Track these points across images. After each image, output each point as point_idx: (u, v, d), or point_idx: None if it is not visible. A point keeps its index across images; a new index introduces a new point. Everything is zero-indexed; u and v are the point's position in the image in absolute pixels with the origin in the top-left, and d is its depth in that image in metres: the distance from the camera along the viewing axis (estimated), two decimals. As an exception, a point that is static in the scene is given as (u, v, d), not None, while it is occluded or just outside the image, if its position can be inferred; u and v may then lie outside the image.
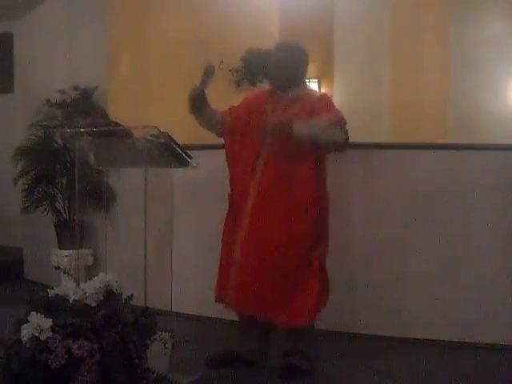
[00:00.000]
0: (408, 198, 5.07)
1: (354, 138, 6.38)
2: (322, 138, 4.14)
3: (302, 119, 4.12)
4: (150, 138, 3.90)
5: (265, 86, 7.34)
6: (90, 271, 6.00)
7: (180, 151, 4.01)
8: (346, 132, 4.19)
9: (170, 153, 4.00)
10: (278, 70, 4.38)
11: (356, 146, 5.31)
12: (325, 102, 4.35)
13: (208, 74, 4.31)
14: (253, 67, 7.38)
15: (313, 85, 7.38)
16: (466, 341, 4.88)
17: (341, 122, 4.18)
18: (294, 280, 4.21)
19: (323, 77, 7.36)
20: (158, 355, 3.76)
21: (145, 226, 4.02)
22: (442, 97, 7.36)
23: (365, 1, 7.37)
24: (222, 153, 4.45)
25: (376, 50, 7.37)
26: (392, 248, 5.07)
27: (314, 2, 7.24)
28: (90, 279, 3.91)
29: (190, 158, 4.10)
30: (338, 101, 7.17)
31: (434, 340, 4.94)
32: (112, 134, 4.12)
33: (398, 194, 5.09)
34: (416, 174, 5.06)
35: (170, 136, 3.99)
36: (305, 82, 4.56)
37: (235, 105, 4.54)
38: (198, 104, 4.32)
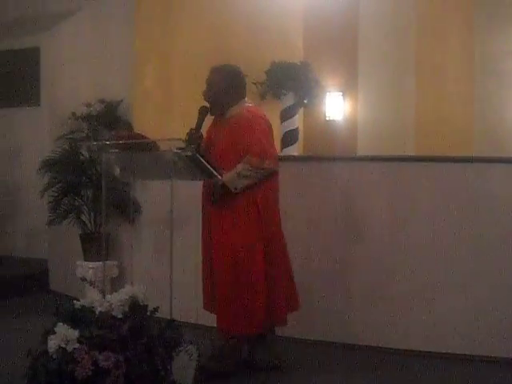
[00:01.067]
0: (431, 209, 5.05)
1: (378, 151, 6.43)
2: (248, 183, 4.29)
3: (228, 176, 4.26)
4: (176, 150, 3.92)
5: (288, 98, 7.39)
6: (115, 283, 6.03)
7: (205, 163, 4.03)
8: (269, 167, 4.35)
9: (196, 165, 4.02)
10: (208, 92, 4.49)
11: (381, 159, 5.36)
12: (244, 128, 4.40)
13: (202, 115, 4.42)
14: (277, 80, 7.39)
15: (337, 98, 7.38)
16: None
17: (263, 163, 4.33)
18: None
19: (347, 90, 7.35)
20: (183, 367, 3.77)
21: (171, 239, 4.04)
22: (468, 109, 7.32)
23: (389, 13, 7.35)
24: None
25: (401, 62, 7.35)
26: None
27: (337, 16, 7.23)
28: (115, 291, 3.93)
29: (216, 169, 4.12)
30: (362, 114, 7.23)
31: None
32: (138, 147, 4.14)
33: (423, 205, 5.08)
34: (443, 186, 5.04)
35: (195, 148, 4.01)
36: (241, 102, 4.54)
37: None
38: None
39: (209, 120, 4.64)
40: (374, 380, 4.49)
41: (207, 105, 4.47)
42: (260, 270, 4.42)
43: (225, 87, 4.46)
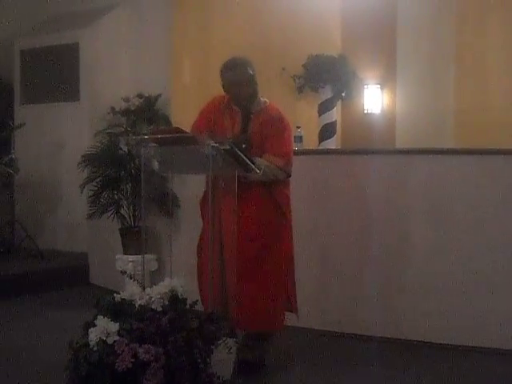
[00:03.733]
0: (472, 202, 5.00)
1: (417, 143, 6.38)
2: (264, 179, 4.29)
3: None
4: (214, 144, 3.92)
5: (326, 91, 7.36)
6: (154, 276, 6.08)
7: (243, 157, 4.03)
8: (288, 171, 4.42)
9: (234, 159, 4.02)
10: (241, 87, 4.40)
11: (419, 152, 5.33)
12: (276, 127, 4.41)
13: (246, 119, 4.44)
14: (314, 73, 7.37)
15: (375, 90, 7.33)
16: None
17: (286, 166, 4.38)
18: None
19: (385, 82, 7.29)
20: (222, 360, 3.78)
21: (211, 232, 4.05)
22: (509, 101, 7.22)
23: (428, 5, 7.27)
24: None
25: (440, 54, 7.27)
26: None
27: (375, 7, 7.18)
28: (154, 284, 3.96)
29: (254, 163, 4.12)
30: (400, 106, 7.17)
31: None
32: (176, 141, 4.16)
33: (463, 198, 5.03)
34: (484, 177, 5.00)
35: (233, 142, 4.02)
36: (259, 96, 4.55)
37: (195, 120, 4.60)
38: None
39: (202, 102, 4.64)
40: (412, 374, 4.48)
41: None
42: (282, 267, 4.44)
43: (255, 79, 4.45)
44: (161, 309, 3.78)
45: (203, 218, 4.55)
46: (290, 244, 4.54)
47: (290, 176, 4.46)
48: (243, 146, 4.19)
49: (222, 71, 4.49)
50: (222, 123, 4.47)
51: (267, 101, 4.54)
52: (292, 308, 4.57)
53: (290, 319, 4.60)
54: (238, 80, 4.40)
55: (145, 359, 3.53)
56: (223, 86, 4.50)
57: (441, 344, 4.98)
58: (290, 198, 4.53)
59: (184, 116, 6.13)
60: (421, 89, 7.22)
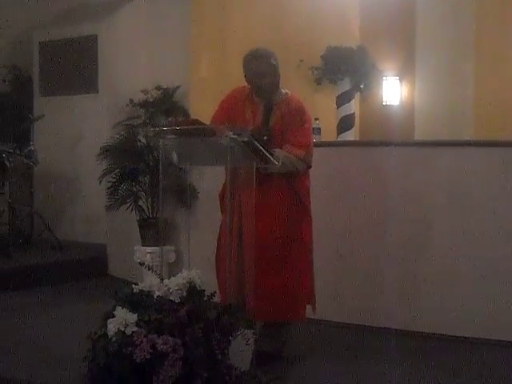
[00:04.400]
0: (494, 194, 4.97)
1: (436, 136, 6.34)
2: (284, 170, 4.28)
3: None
4: (233, 136, 3.92)
5: (345, 83, 7.32)
6: (172, 268, 6.09)
7: (262, 149, 4.03)
8: (308, 162, 4.41)
9: (252, 151, 4.02)
10: (267, 78, 4.39)
11: (438, 144, 5.30)
12: (297, 118, 4.41)
13: (268, 111, 4.41)
14: (333, 65, 7.34)
15: (393, 82, 7.29)
16: None
17: (307, 156, 4.37)
18: None
19: (404, 74, 7.25)
20: (240, 351, 3.79)
21: (229, 224, 4.05)
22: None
23: (447, -4, 7.23)
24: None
25: (459, 45, 7.20)
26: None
27: (394, -1, 7.15)
28: (172, 276, 3.97)
29: (272, 155, 4.12)
30: (419, 98, 7.13)
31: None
32: (195, 133, 4.16)
33: (484, 190, 5.01)
34: (504, 170, 4.97)
35: (252, 134, 4.02)
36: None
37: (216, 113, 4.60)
38: None
39: (221, 97, 4.63)
40: (434, 366, 4.48)
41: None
42: (304, 258, 4.46)
43: (278, 71, 4.44)
44: (179, 300, 3.78)
45: (223, 211, 4.55)
46: (311, 236, 4.54)
47: (310, 167, 4.45)
48: (265, 138, 4.18)
49: (244, 62, 4.48)
50: (243, 115, 4.46)
51: (288, 92, 4.53)
52: (310, 300, 4.58)
53: (308, 311, 4.59)
54: (261, 71, 4.39)
55: (163, 350, 3.53)
56: (246, 77, 4.49)
57: (461, 337, 4.96)
58: (311, 190, 4.52)
59: (202, 108, 6.14)
60: (440, 80, 7.17)
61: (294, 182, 4.40)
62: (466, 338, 4.95)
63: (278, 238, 4.36)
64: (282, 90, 4.51)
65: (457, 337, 4.97)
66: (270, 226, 4.32)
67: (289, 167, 4.29)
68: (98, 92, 7.82)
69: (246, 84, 4.53)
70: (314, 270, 4.58)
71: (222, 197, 4.56)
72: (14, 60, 8.46)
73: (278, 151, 4.24)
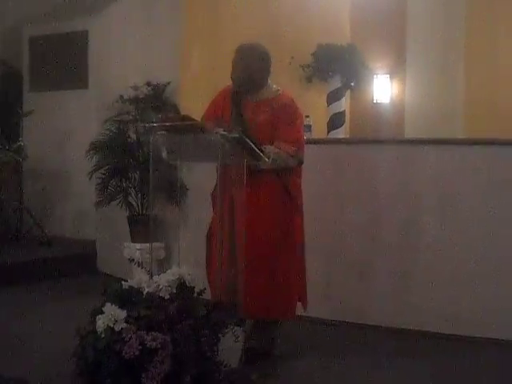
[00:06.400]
0: (482, 192, 4.99)
1: (426, 133, 6.35)
2: (276, 167, 4.28)
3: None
4: (223, 132, 3.91)
5: (335, 81, 7.32)
6: (162, 265, 6.08)
7: (253, 146, 4.02)
8: (300, 158, 4.40)
9: (243, 147, 4.01)
10: (237, 71, 4.41)
11: (428, 142, 5.31)
12: (288, 114, 4.40)
13: (236, 100, 4.42)
14: (323, 63, 7.33)
15: (384, 80, 7.30)
16: None
17: (298, 152, 4.37)
18: None
19: (395, 73, 7.26)
20: (229, 349, 3.79)
21: (220, 221, 4.04)
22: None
23: (438, -6, 7.25)
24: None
25: (450, 44, 7.23)
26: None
27: (385, -3, 7.15)
28: (162, 272, 3.96)
29: (263, 152, 4.11)
30: (410, 96, 7.14)
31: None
32: (185, 129, 4.15)
33: (473, 188, 5.03)
34: (493, 168, 4.99)
35: (242, 130, 4.01)
36: (270, 83, 4.54)
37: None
38: None
39: (212, 93, 4.63)
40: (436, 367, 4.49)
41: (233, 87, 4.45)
42: (295, 256, 4.46)
43: (259, 67, 4.44)
44: (168, 296, 3.78)
45: (214, 208, 4.54)
46: (302, 233, 4.54)
47: (302, 163, 4.45)
48: (240, 129, 4.13)
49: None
50: (230, 112, 4.45)
51: (280, 89, 4.53)
52: (301, 298, 4.57)
53: (298, 309, 4.60)
54: (236, 62, 4.42)
55: (152, 347, 3.53)
56: None
57: (451, 335, 4.97)
58: (302, 187, 4.52)
59: (193, 104, 6.12)
60: (430, 79, 7.19)
61: (285, 178, 4.40)
62: (458, 336, 4.96)
63: (268, 236, 4.35)
64: (274, 87, 4.51)
65: (448, 335, 4.98)
66: (261, 223, 4.31)
67: (280, 163, 4.29)
68: (88, 88, 7.80)
69: None
70: (305, 268, 4.58)
71: (213, 195, 4.56)
72: (4, 55, 8.42)
73: (268, 148, 4.24)
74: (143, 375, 3.51)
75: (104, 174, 6.43)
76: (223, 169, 4.23)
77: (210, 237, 4.55)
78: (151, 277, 3.90)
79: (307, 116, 6.04)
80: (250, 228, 4.19)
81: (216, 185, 4.45)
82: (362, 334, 5.12)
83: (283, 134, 4.34)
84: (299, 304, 4.57)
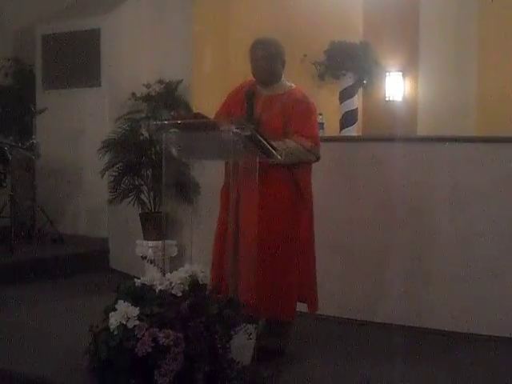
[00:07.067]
0: (494, 191, 4.96)
1: (438, 131, 6.34)
2: (293, 161, 4.28)
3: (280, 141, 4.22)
4: (236, 130, 3.91)
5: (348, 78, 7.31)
6: (174, 262, 6.09)
7: (265, 143, 4.02)
8: (317, 153, 4.39)
9: (256, 145, 4.01)
10: (258, 65, 4.44)
11: (441, 139, 5.29)
12: (302, 109, 4.40)
13: (250, 99, 4.39)
14: (336, 60, 7.33)
15: (397, 78, 7.28)
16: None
17: (315, 148, 4.35)
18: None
19: (408, 70, 7.25)
20: (241, 346, 3.79)
21: (233, 219, 4.04)
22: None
23: (451, -8, 7.22)
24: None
25: (462, 41, 7.21)
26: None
27: (398, -5, 7.13)
28: (174, 270, 3.97)
29: (276, 150, 4.10)
30: (422, 94, 7.12)
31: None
32: (198, 127, 4.15)
33: (486, 187, 5.00)
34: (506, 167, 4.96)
35: (255, 128, 4.00)
36: (283, 79, 4.54)
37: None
38: None
39: (224, 91, 4.65)
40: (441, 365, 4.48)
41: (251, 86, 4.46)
42: (298, 255, 4.42)
43: (279, 59, 4.46)
44: (181, 294, 3.78)
45: (221, 207, 4.53)
46: (309, 232, 4.50)
47: (319, 158, 4.42)
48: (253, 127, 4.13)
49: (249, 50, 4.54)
50: (241, 107, 4.44)
51: (293, 85, 4.53)
52: (309, 298, 4.52)
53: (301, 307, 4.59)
54: (256, 55, 4.44)
55: (164, 344, 3.53)
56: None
57: (462, 333, 4.96)
58: (312, 185, 4.50)
59: (205, 102, 6.13)
60: (443, 76, 7.16)
61: (296, 174, 4.38)
62: (475, 335, 4.94)
63: (270, 235, 4.29)
64: (287, 83, 4.51)
65: (464, 333, 4.96)
66: (266, 220, 4.24)
67: (294, 159, 4.27)
68: (100, 86, 7.81)
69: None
70: (313, 268, 4.55)
71: (221, 193, 4.55)
72: (17, 53, 8.45)
73: (287, 141, 4.24)
74: (156, 372, 3.52)
75: (116, 171, 6.44)
76: (233, 165, 4.21)
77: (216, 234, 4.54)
78: (164, 274, 3.91)
79: (320, 114, 6.03)
80: (254, 227, 4.14)
81: (224, 183, 4.45)
82: (373, 332, 5.11)
83: (299, 129, 4.32)
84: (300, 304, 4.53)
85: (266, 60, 4.42)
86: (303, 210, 4.45)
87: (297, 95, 4.45)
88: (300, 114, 4.37)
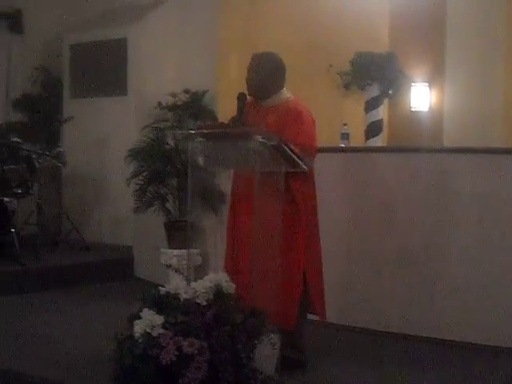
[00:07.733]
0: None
1: (465, 142, 6.31)
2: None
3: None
4: (261, 140, 3.92)
5: (373, 89, 7.30)
6: (198, 271, 6.10)
7: (291, 153, 4.02)
8: (312, 159, 4.34)
9: (281, 155, 4.02)
10: (250, 78, 4.51)
11: (468, 150, 5.27)
12: (293, 118, 4.39)
13: (242, 102, 4.38)
14: (361, 70, 7.31)
15: (422, 88, 7.26)
16: None
17: (310, 150, 4.31)
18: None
19: (433, 80, 7.21)
20: (265, 356, 3.79)
21: (257, 228, 4.04)
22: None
23: (478, 2, 7.18)
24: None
25: (489, 52, 7.17)
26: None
27: (424, 5, 7.09)
28: (198, 279, 3.97)
29: (301, 160, 4.10)
30: (448, 104, 7.09)
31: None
32: (223, 136, 4.17)
33: (509, 199, 4.96)
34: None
35: (281, 138, 4.01)
36: (282, 92, 4.54)
37: None
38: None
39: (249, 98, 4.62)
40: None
41: (245, 92, 4.48)
42: (295, 266, 4.35)
43: (271, 73, 4.48)
44: (205, 303, 3.79)
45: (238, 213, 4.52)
46: (308, 243, 4.42)
47: (306, 169, 4.26)
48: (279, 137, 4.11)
49: None
50: (252, 117, 4.48)
51: (291, 96, 4.55)
52: (316, 308, 4.48)
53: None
54: (249, 68, 4.53)
55: (189, 353, 3.54)
56: None
57: (483, 345, 4.91)
58: (311, 196, 4.47)
59: (230, 112, 6.13)
60: (470, 87, 7.13)
61: (291, 186, 4.31)
62: (490, 346, 4.90)
63: (268, 247, 4.20)
64: (286, 95, 4.53)
65: (477, 344, 4.93)
66: (266, 230, 4.19)
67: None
68: (126, 94, 7.87)
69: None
70: (320, 275, 4.50)
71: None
72: (45, 62, 8.53)
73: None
74: (180, 381, 3.53)
75: (142, 180, 6.48)
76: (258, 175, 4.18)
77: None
78: (188, 283, 3.92)
79: (345, 124, 6.03)
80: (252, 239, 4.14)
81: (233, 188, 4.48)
82: (391, 341, 5.09)
83: (290, 138, 4.20)
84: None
85: (255, 74, 4.49)
86: (298, 223, 4.37)
87: (290, 105, 4.47)
88: (291, 122, 4.37)
